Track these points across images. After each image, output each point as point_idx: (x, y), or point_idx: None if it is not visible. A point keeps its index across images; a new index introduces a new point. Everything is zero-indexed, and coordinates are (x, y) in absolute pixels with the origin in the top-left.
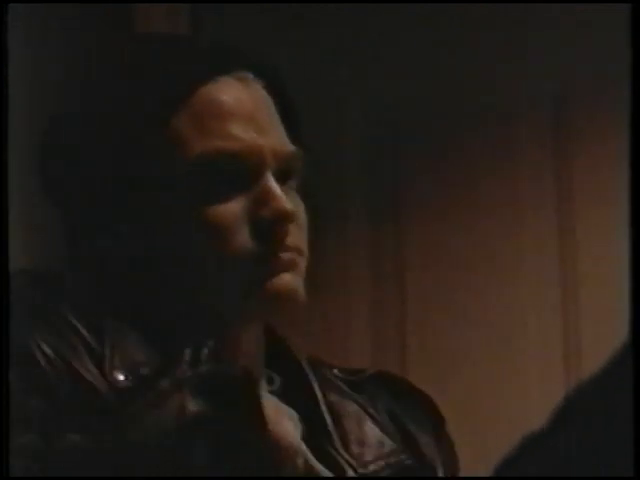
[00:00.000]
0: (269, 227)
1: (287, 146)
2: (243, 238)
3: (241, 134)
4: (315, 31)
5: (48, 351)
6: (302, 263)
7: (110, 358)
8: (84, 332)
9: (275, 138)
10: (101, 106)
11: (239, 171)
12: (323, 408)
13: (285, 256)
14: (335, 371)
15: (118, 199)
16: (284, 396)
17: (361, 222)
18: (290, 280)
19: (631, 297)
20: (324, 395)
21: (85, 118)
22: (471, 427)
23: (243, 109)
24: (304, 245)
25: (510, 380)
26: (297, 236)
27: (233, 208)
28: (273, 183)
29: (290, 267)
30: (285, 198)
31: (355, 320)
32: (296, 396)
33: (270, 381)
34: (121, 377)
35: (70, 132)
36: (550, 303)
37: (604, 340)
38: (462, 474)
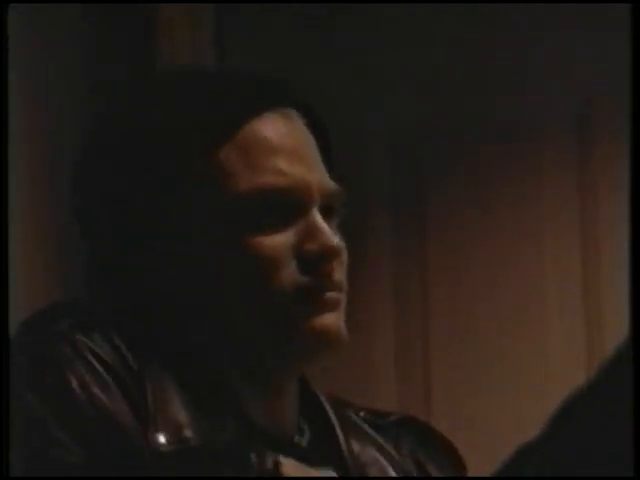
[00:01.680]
0: (316, 262)
1: (331, 183)
2: (289, 273)
3: (289, 169)
4: (331, 40)
5: (89, 392)
6: (344, 301)
7: (154, 417)
8: (126, 380)
9: (321, 174)
10: (146, 138)
11: (286, 206)
12: (347, 459)
13: (331, 295)
14: (362, 414)
15: (160, 234)
16: (313, 446)
17: (385, 244)
18: (335, 320)
19: (631, 297)
20: (349, 441)
21: (126, 149)
22: (492, 428)
23: (289, 145)
24: (345, 282)
25: (536, 404)
26: (341, 272)
27: (279, 242)
28: (319, 218)
29: (335, 306)
30: (332, 233)
31: (379, 354)
32: (322, 444)
33: (301, 432)
34: (163, 440)
35: (110, 162)
36: (574, 318)
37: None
38: None
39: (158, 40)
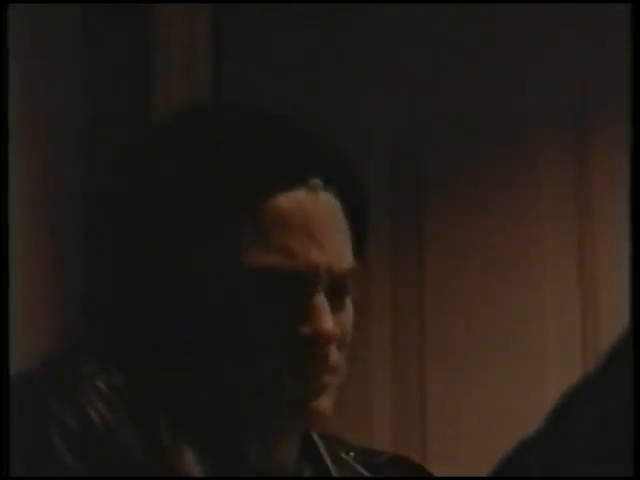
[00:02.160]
0: (308, 345)
1: (345, 263)
2: (283, 352)
3: (299, 251)
4: (330, 40)
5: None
6: (335, 384)
7: (169, 467)
8: (145, 429)
9: (333, 255)
10: (168, 192)
11: (291, 286)
12: None
13: (320, 379)
14: (352, 454)
15: (170, 289)
16: None
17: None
18: (321, 404)
19: (631, 296)
20: None
21: (144, 198)
22: (489, 427)
23: (306, 223)
24: (342, 363)
25: (532, 404)
26: (336, 355)
27: (279, 321)
28: (321, 302)
29: (323, 390)
30: (329, 318)
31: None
32: None
33: (300, 473)
34: None
35: (128, 209)
36: (570, 312)
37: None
38: None
39: (156, 40)
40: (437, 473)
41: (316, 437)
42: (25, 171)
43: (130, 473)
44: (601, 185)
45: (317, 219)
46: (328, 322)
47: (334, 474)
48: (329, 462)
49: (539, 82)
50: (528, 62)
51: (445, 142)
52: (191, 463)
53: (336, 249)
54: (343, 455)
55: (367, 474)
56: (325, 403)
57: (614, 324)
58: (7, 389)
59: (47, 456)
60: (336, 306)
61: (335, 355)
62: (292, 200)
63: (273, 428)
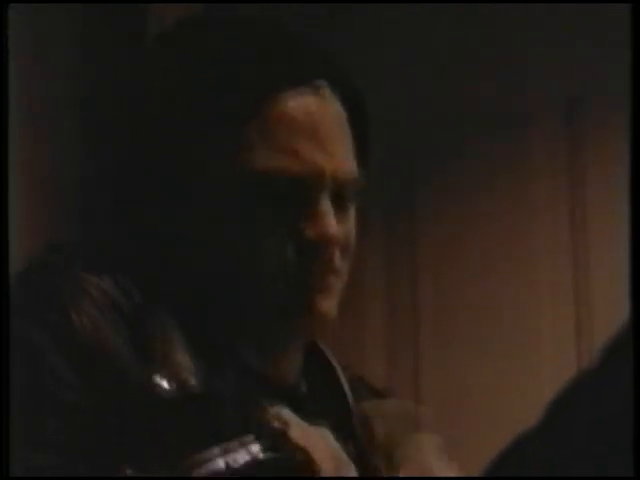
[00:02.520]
0: (314, 248)
1: (349, 169)
2: (289, 254)
3: (306, 154)
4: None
5: (92, 326)
6: (339, 285)
7: (158, 361)
8: (131, 320)
9: (339, 160)
10: (171, 97)
11: (297, 189)
12: (352, 407)
13: (324, 279)
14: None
15: (177, 191)
16: (314, 395)
17: (376, 223)
18: (326, 304)
19: (631, 296)
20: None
21: (152, 104)
22: (483, 426)
23: (313, 125)
24: (345, 268)
25: (524, 381)
26: (340, 259)
27: (282, 222)
28: (326, 206)
29: (327, 290)
30: (333, 222)
31: (370, 330)
32: (325, 394)
33: (303, 381)
34: (166, 385)
35: (135, 116)
36: (563, 304)
37: None
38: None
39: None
40: (428, 406)
41: (329, 352)
42: (26, 172)
43: (118, 370)
44: (596, 184)
45: (324, 123)
46: (333, 226)
47: (344, 383)
48: (340, 372)
49: (538, 83)
50: (528, 63)
51: (444, 142)
52: (182, 356)
53: (342, 155)
54: (353, 379)
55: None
56: (329, 303)
57: (606, 309)
58: (7, 389)
59: (36, 358)
60: (340, 213)
61: (338, 259)
62: (299, 102)
63: (274, 330)
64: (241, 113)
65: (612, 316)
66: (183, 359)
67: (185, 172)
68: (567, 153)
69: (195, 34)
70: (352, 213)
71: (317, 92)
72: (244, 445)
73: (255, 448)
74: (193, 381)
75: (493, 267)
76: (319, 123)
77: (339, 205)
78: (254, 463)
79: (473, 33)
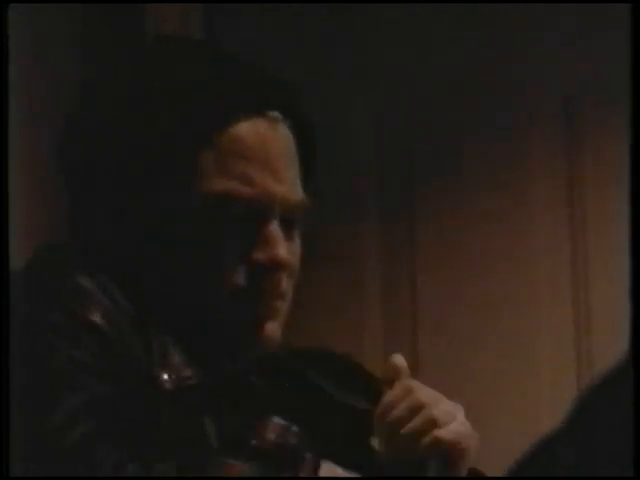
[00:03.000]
0: (263, 272)
1: (298, 195)
2: (238, 277)
3: (257, 179)
4: (331, 40)
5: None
6: (285, 309)
7: (157, 357)
8: (133, 321)
9: (288, 186)
10: (131, 117)
11: (247, 213)
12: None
13: (272, 304)
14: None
15: (127, 219)
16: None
17: (374, 222)
18: (272, 329)
19: (631, 295)
20: None
21: (111, 122)
22: (482, 424)
23: (265, 154)
24: (290, 291)
25: (523, 381)
26: (286, 283)
27: (234, 247)
28: (275, 230)
29: (274, 315)
30: (283, 246)
31: (368, 317)
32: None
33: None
34: (166, 377)
35: (96, 134)
36: (562, 305)
37: (615, 344)
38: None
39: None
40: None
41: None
42: (25, 173)
43: (129, 358)
44: (596, 182)
45: (275, 149)
46: (282, 250)
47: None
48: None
49: (538, 83)
50: (528, 63)
51: (443, 142)
52: (177, 356)
53: (291, 180)
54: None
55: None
56: (275, 327)
57: (605, 314)
58: (7, 389)
59: (43, 346)
60: (287, 237)
61: (285, 282)
62: (251, 129)
63: (227, 345)
64: (194, 141)
65: (611, 316)
66: (178, 358)
67: (138, 195)
68: (567, 153)
69: (149, 63)
70: (298, 238)
71: (269, 121)
72: None
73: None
74: (189, 373)
75: (493, 267)
76: (270, 149)
77: (287, 230)
78: None
79: (473, 33)
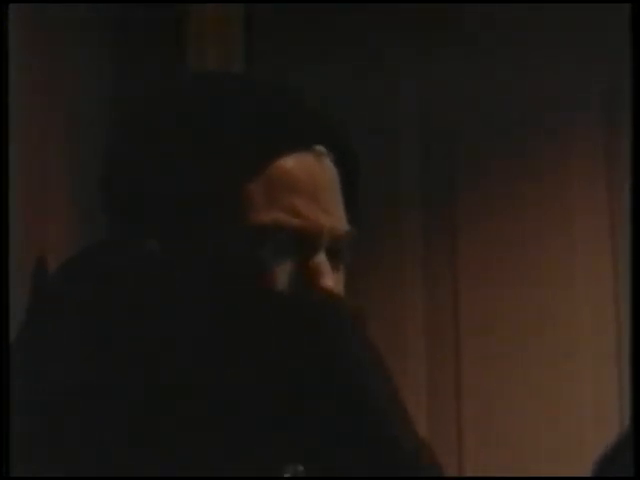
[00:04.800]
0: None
1: (344, 227)
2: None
3: (306, 211)
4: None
5: None
6: None
7: None
8: None
9: (335, 218)
10: (179, 151)
11: (296, 244)
12: None
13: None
14: None
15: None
16: None
17: (414, 229)
18: None
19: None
20: None
21: (157, 153)
22: (523, 430)
23: (312, 186)
24: None
25: (565, 387)
26: None
27: (282, 278)
28: (323, 261)
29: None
30: (331, 278)
31: (410, 320)
32: None
33: None
34: None
35: (143, 160)
36: (604, 310)
37: None
38: None
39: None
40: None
41: None
42: (25, 172)
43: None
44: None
45: (321, 182)
46: (331, 281)
47: None
48: None
49: (571, 80)
50: (560, 61)
51: (477, 127)
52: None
53: (338, 212)
54: None
55: None
56: None
57: None
58: (7, 389)
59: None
60: (333, 268)
61: None
62: (298, 162)
63: None
64: (241, 173)
65: None
66: None
67: (186, 230)
68: (604, 149)
69: (195, 95)
70: (343, 269)
71: (315, 154)
72: None
73: None
74: None
75: (530, 260)
76: (317, 182)
77: (333, 261)
78: None
79: (521, 33)
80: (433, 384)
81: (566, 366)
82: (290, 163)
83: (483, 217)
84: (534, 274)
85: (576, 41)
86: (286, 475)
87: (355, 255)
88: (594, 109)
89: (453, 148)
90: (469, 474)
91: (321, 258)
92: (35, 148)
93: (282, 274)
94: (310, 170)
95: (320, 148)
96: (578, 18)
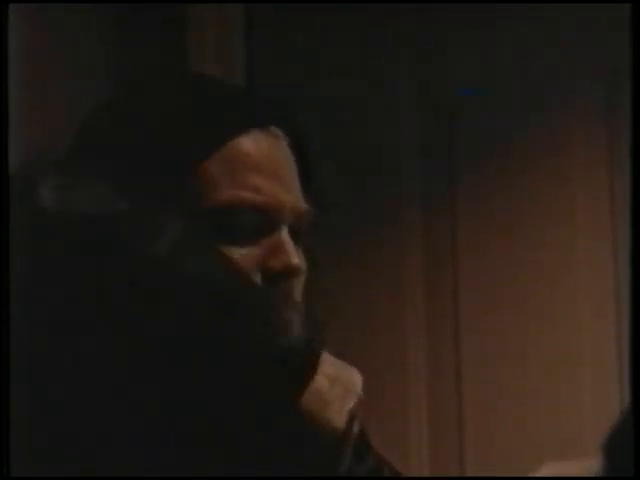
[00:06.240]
0: (276, 278)
1: (304, 204)
2: (259, 287)
3: (266, 188)
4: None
5: None
6: (299, 320)
7: None
8: None
9: (295, 195)
10: (136, 135)
11: (259, 222)
12: None
13: (285, 316)
14: None
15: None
16: None
17: (415, 224)
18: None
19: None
20: None
21: (117, 138)
22: (518, 423)
23: (271, 165)
24: (301, 300)
25: (564, 389)
26: (298, 292)
27: (245, 254)
28: (287, 237)
29: (286, 329)
30: (295, 253)
31: (410, 317)
32: None
33: None
34: None
35: (100, 146)
36: (604, 309)
37: None
38: None
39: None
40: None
41: None
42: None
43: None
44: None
45: (280, 162)
46: (295, 258)
47: None
48: None
49: (571, 63)
50: (560, 43)
51: (477, 124)
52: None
53: (298, 191)
54: None
55: None
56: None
57: None
58: (7, 389)
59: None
60: (295, 245)
61: (298, 290)
62: (255, 142)
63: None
64: (199, 151)
65: None
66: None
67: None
68: (607, 134)
69: (162, 87)
70: (301, 249)
71: (271, 135)
72: None
73: None
74: None
75: (531, 257)
76: (275, 162)
77: (295, 239)
78: None
79: (521, 20)
80: (434, 383)
81: (566, 366)
82: (248, 143)
83: (482, 203)
84: (534, 271)
85: (576, 24)
86: None
87: (314, 237)
88: (595, 99)
89: (453, 135)
90: (469, 474)
91: (284, 235)
92: (35, 148)
93: (244, 252)
94: (268, 150)
95: (275, 129)
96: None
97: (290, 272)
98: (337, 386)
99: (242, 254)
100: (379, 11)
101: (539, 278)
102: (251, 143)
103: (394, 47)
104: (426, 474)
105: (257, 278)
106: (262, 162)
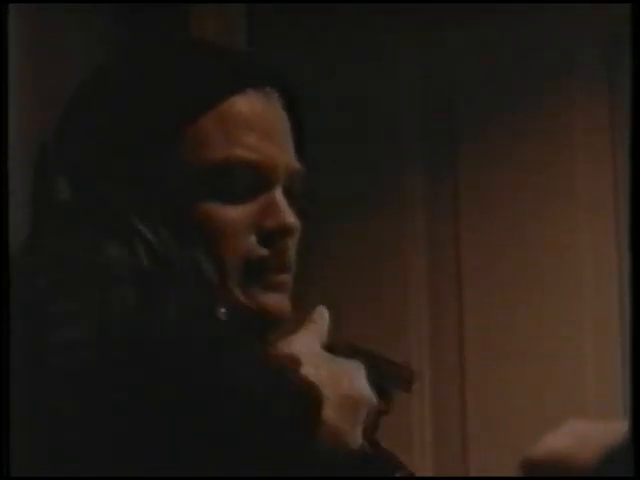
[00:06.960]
0: (272, 238)
1: (297, 164)
2: (247, 243)
3: (261, 147)
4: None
5: None
6: (291, 282)
7: None
8: None
9: (289, 155)
10: (132, 97)
11: (253, 180)
12: None
13: (281, 277)
14: None
15: (131, 186)
16: None
17: (418, 211)
18: (278, 301)
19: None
20: None
21: (112, 106)
22: (525, 428)
23: (265, 125)
24: (294, 263)
25: (567, 378)
26: (292, 251)
27: (241, 213)
28: (281, 196)
29: (282, 288)
30: (290, 212)
31: (412, 315)
32: None
33: None
34: None
35: (94, 118)
36: (607, 292)
37: None
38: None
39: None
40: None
41: None
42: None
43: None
44: None
45: (274, 121)
46: (290, 217)
47: None
48: None
49: (570, 34)
50: (560, 15)
51: (478, 93)
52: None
53: (291, 152)
54: None
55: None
56: (277, 299)
57: None
58: (7, 389)
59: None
60: (289, 205)
61: (291, 251)
62: (250, 102)
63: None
64: (195, 108)
65: None
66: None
67: (140, 164)
68: (607, 104)
69: (153, 53)
70: (295, 210)
71: (266, 96)
72: None
73: None
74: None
75: (531, 231)
76: (269, 122)
77: (288, 199)
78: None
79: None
80: (436, 381)
81: (569, 362)
82: (243, 102)
83: (484, 171)
84: (535, 266)
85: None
86: None
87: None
88: (596, 70)
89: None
90: (472, 473)
91: (278, 194)
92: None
93: (239, 210)
94: (262, 110)
95: (270, 90)
96: None
97: (285, 231)
98: (344, 407)
99: (237, 212)
100: (379, 11)
101: (540, 253)
102: (246, 103)
103: (394, 56)
104: (429, 472)
105: (252, 237)
106: (256, 122)
